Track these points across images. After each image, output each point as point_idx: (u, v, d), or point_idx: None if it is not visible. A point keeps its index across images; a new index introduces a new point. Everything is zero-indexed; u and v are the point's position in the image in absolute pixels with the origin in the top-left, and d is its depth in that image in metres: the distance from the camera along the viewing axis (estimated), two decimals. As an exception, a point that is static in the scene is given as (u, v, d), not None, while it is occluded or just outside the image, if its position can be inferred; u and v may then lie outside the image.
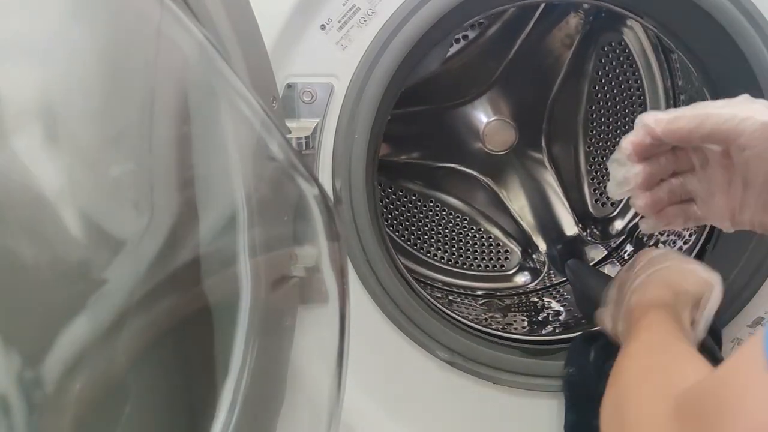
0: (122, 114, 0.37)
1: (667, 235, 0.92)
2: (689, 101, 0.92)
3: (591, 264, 1.02)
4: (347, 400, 0.50)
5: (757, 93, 0.69)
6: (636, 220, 1.01)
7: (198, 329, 0.44)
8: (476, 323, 0.82)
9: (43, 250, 0.31)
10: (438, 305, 0.78)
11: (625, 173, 0.54)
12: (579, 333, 0.80)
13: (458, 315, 0.82)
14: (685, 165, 0.55)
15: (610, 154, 1.02)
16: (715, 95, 0.76)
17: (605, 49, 0.98)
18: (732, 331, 0.76)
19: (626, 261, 0.99)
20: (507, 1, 0.77)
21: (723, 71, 0.74)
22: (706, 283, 0.61)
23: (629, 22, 0.95)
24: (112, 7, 0.36)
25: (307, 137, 0.67)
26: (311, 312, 0.54)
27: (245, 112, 0.43)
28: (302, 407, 0.53)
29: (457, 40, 0.98)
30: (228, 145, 0.45)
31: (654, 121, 0.51)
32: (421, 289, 0.77)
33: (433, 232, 1.05)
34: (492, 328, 0.81)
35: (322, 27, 0.66)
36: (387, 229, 1.02)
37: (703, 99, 0.79)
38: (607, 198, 1.04)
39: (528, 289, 1.02)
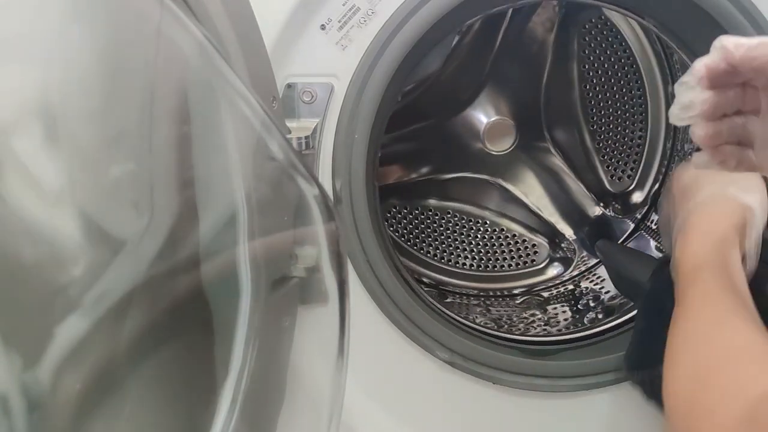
0: (122, 114, 0.37)
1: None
2: (681, 60, 0.92)
3: (620, 240, 1.01)
4: (347, 400, 0.50)
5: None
6: (655, 188, 1.01)
7: (198, 329, 0.44)
8: (519, 324, 0.82)
9: (41, 249, 0.31)
10: (438, 305, 0.78)
11: (692, 97, 0.52)
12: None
13: (499, 318, 0.81)
14: (752, 105, 0.52)
15: (614, 128, 1.04)
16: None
17: (587, 26, 0.98)
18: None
19: (654, 231, 0.99)
20: (507, 0, 0.77)
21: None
22: (746, 208, 0.59)
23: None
24: (111, 7, 0.36)
25: (307, 137, 0.67)
26: (311, 312, 0.54)
27: (245, 112, 0.43)
28: (302, 407, 0.53)
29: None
30: (228, 145, 0.45)
31: (734, 44, 0.48)
32: (421, 290, 0.77)
33: (457, 242, 1.05)
34: (498, 330, 0.81)
35: (322, 27, 0.66)
36: (412, 248, 1.03)
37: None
38: (622, 171, 1.04)
39: (564, 279, 1.02)
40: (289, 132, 0.65)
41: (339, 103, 0.68)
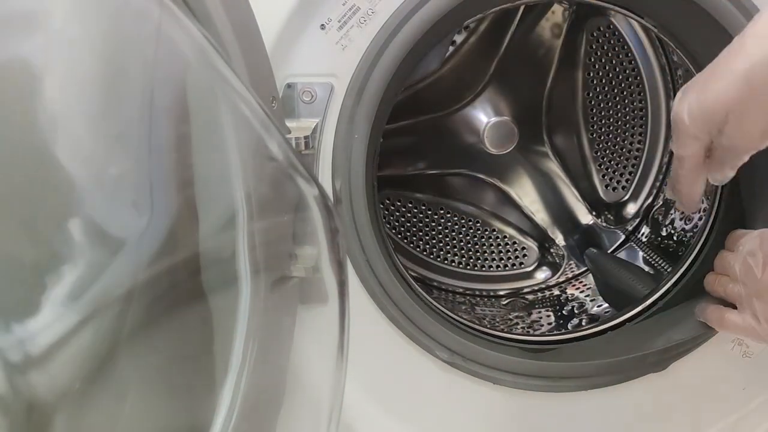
0: (121, 113, 0.37)
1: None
2: (685, 75, 0.92)
3: (610, 250, 1.02)
4: (347, 400, 0.50)
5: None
6: (649, 201, 1.01)
7: (198, 329, 0.44)
8: (501, 325, 0.82)
9: (41, 248, 0.31)
10: (439, 307, 0.78)
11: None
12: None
13: (483, 318, 0.81)
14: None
15: (613, 138, 1.04)
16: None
17: (595, 34, 0.98)
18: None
19: (644, 244, 0.99)
20: (506, 0, 0.76)
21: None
22: None
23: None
24: (111, 7, 0.36)
25: (306, 137, 0.67)
26: (311, 312, 0.54)
27: (245, 111, 0.43)
28: (302, 407, 0.53)
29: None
30: (227, 145, 0.45)
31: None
32: (420, 290, 0.77)
33: (447, 239, 1.05)
34: (497, 330, 0.81)
35: (322, 27, 0.66)
36: (402, 241, 1.03)
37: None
38: (617, 182, 1.05)
39: (550, 284, 1.03)
40: (289, 132, 0.65)
41: (339, 102, 0.68)
